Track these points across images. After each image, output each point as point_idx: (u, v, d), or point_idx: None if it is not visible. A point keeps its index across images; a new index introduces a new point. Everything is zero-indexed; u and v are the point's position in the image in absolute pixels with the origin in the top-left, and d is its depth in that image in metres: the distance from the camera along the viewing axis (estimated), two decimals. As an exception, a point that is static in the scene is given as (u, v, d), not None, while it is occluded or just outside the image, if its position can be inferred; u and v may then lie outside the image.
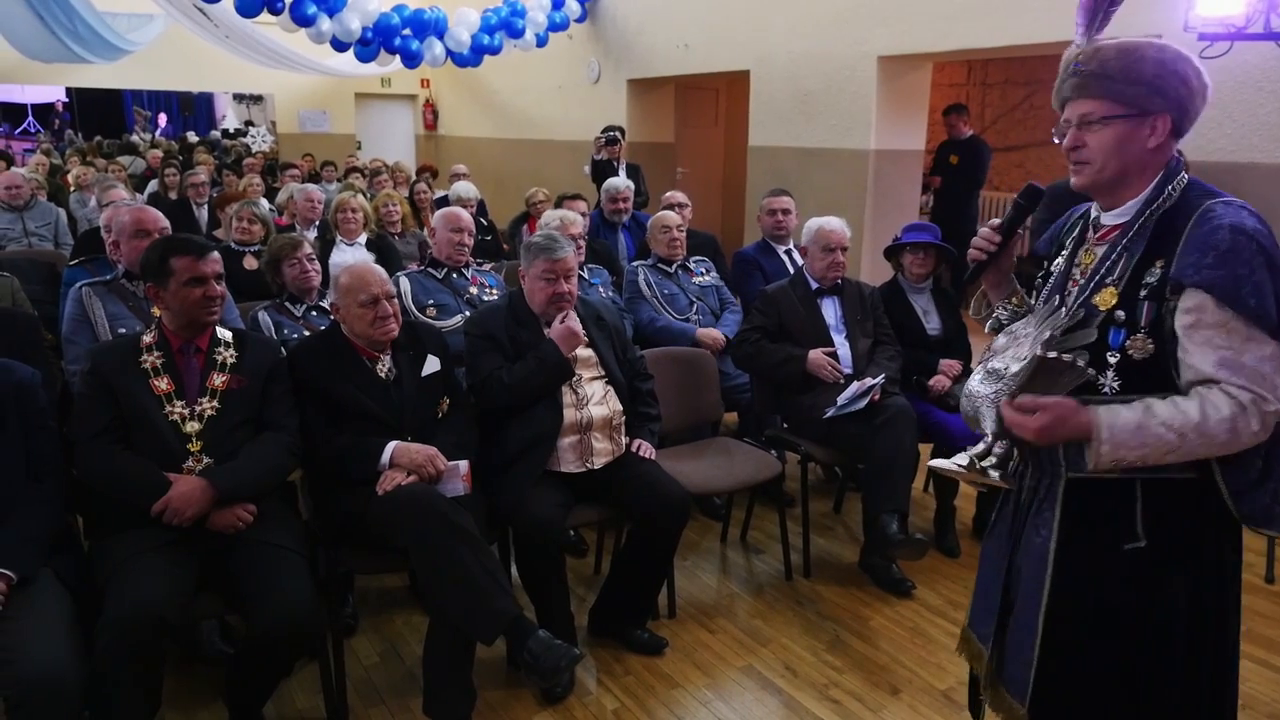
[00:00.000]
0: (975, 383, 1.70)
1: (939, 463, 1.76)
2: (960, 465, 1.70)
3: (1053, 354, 1.55)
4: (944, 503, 3.70)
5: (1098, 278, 1.61)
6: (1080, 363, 1.54)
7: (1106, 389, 1.57)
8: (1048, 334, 1.60)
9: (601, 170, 6.75)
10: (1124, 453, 1.48)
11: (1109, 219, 1.65)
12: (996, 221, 1.76)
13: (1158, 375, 1.54)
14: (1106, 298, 1.58)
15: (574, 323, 2.92)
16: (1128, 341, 1.55)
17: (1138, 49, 1.53)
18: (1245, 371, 1.44)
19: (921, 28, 6.08)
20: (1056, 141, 1.65)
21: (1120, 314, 1.56)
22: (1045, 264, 1.80)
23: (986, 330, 1.86)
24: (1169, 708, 1.63)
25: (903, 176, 6.81)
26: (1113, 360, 1.56)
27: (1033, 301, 1.80)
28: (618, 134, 6.94)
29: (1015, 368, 1.61)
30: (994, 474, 1.66)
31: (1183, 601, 1.59)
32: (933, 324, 3.80)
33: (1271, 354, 1.45)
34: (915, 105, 6.80)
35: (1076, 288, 1.66)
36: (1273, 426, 1.46)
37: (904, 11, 6.16)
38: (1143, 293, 1.55)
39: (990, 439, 1.67)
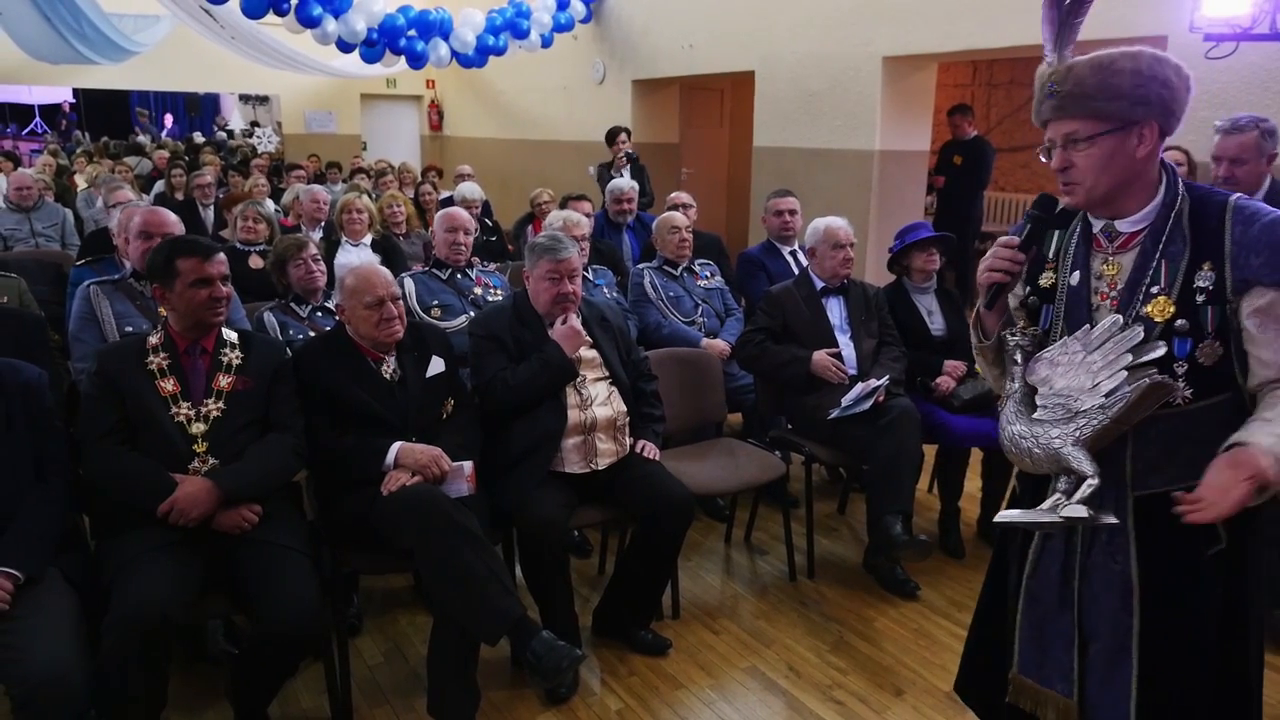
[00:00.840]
0: (1022, 424, 1.57)
1: (1023, 517, 1.60)
2: (1067, 516, 1.52)
3: (1159, 377, 1.49)
4: (948, 504, 3.69)
5: (1142, 289, 1.57)
6: (1168, 379, 1.50)
7: (1179, 399, 1.54)
8: (1129, 358, 1.51)
9: (605, 176, 6.77)
10: None
11: (1126, 226, 1.62)
12: (1014, 239, 1.65)
13: (1223, 378, 1.54)
14: (1162, 307, 1.54)
15: (576, 323, 2.92)
16: (1196, 350, 1.53)
17: (1111, 63, 1.51)
18: None
19: (926, 28, 6.08)
20: (1044, 160, 1.63)
21: (1182, 323, 1.53)
22: (1028, 282, 1.74)
23: (1017, 359, 1.66)
24: (1242, 702, 1.63)
25: (907, 177, 6.80)
26: (1180, 370, 1.54)
27: (1037, 324, 1.70)
28: (627, 137, 7.02)
29: (1096, 399, 1.51)
30: (1110, 516, 1.55)
31: (1253, 592, 1.60)
32: (937, 325, 3.79)
33: None
34: (920, 106, 6.80)
35: (1107, 300, 1.61)
36: None
37: (909, 12, 6.16)
38: (1200, 298, 1.52)
39: (1094, 477, 1.52)
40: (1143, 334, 1.53)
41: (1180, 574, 1.57)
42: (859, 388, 3.36)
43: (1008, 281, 1.66)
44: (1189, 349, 1.53)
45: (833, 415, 3.35)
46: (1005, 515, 1.63)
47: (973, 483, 3.72)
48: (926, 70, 6.70)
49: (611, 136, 7.29)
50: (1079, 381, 1.55)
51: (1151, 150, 1.55)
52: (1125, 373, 1.50)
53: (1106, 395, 1.51)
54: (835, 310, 3.68)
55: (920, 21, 6.10)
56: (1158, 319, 1.54)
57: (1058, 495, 1.55)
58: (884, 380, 3.35)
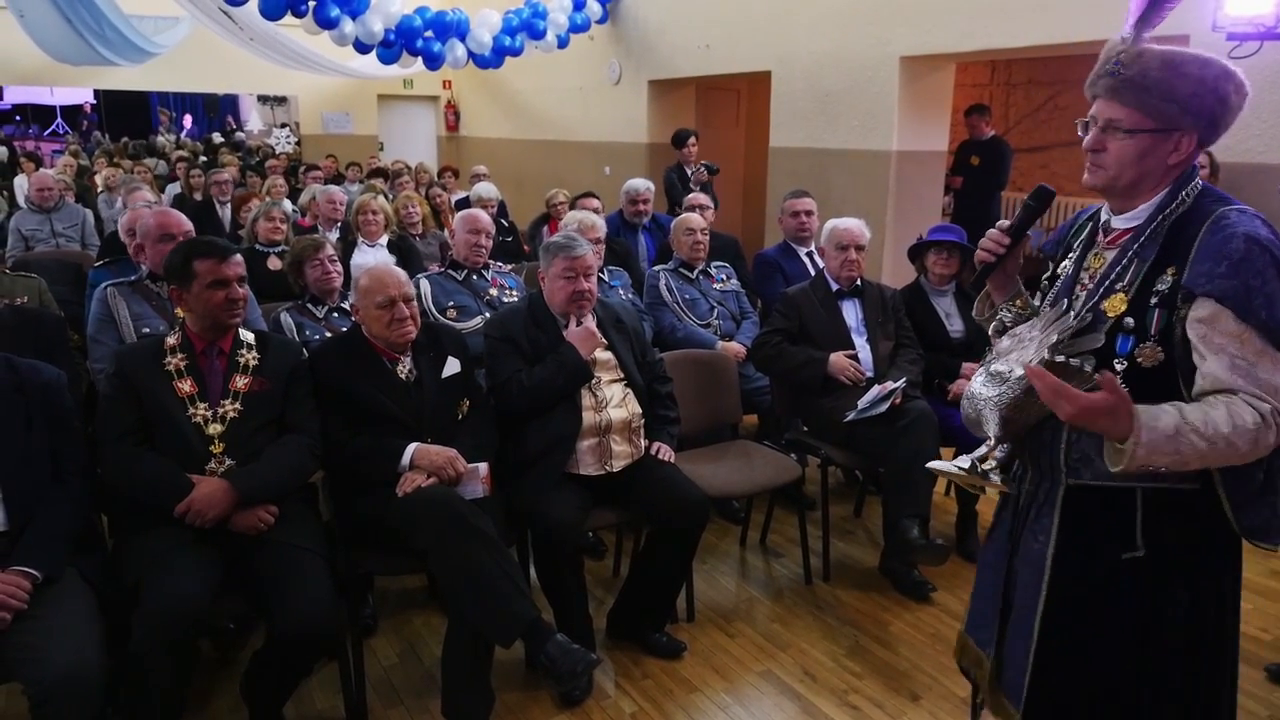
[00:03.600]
0: (978, 385, 1.68)
1: (939, 464, 1.75)
2: (961, 468, 1.69)
3: (1060, 358, 1.53)
4: (965, 507, 3.67)
5: (1107, 283, 1.59)
6: (1087, 368, 1.52)
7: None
8: (1054, 338, 1.57)
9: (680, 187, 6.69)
10: (1156, 457, 1.42)
11: (1120, 223, 1.63)
12: (1006, 223, 1.73)
13: (1164, 384, 1.52)
14: (1116, 304, 1.55)
15: (592, 324, 2.91)
16: (1136, 349, 1.53)
17: (1183, 63, 1.48)
18: (1261, 383, 1.42)
19: (944, 28, 6.04)
20: (1080, 134, 1.62)
21: (1129, 321, 1.54)
22: (1052, 266, 1.78)
23: (990, 332, 1.83)
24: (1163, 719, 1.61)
25: (924, 178, 6.76)
26: (1120, 368, 1.54)
27: (1038, 304, 1.77)
28: (696, 141, 6.97)
29: (1020, 371, 1.59)
30: (995, 478, 1.65)
31: (1182, 613, 1.58)
32: (955, 327, 3.77)
33: None
34: (938, 106, 6.75)
35: (1085, 291, 1.63)
36: None
37: (927, 11, 6.12)
38: (1153, 300, 1.52)
39: (992, 442, 1.65)
40: (1073, 320, 1.57)
41: (1091, 569, 1.61)
42: (876, 390, 3.33)
43: (993, 262, 1.73)
44: (1130, 347, 1.54)
45: (849, 417, 3.34)
46: (934, 464, 1.78)
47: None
48: (944, 70, 6.66)
49: (681, 140, 6.96)
50: (1020, 355, 1.62)
51: (1184, 159, 1.53)
52: (1047, 352, 1.56)
53: (1024, 368, 1.56)
54: (851, 312, 3.66)
55: (938, 21, 6.07)
56: (1109, 314, 1.56)
57: (977, 452, 1.67)
58: (901, 382, 3.33)
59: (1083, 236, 1.72)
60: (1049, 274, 1.78)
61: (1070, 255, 1.73)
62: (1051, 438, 1.64)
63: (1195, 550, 1.58)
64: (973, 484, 1.70)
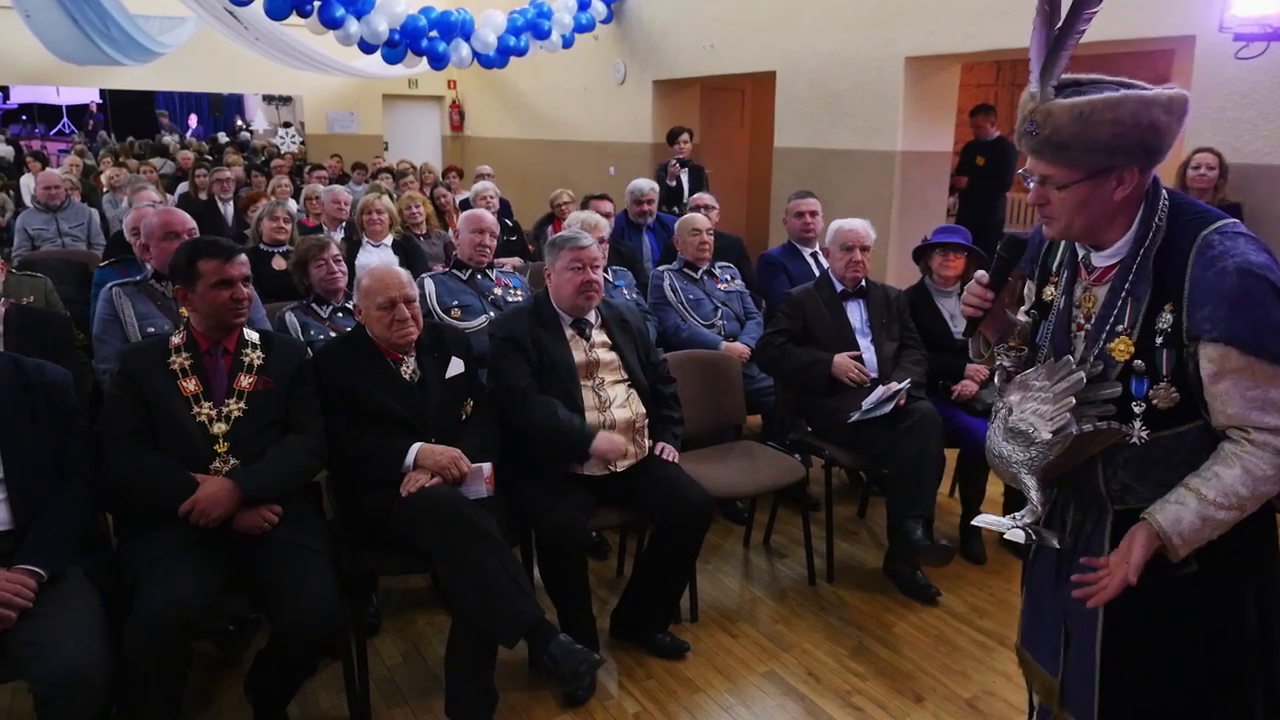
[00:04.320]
0: (1001, 443, 1.66)
1: (987, 522, 1.73)
2: (1015, 538, 1.67)
3: (1089, 426, 1.53)
4: (970, 508, 3.66)
5: (1107, 326, 1.57)
6: (1116, 424, 1.53)
7: (1135, 439, 1.54)
8: (1071, 400, 1.55)
9: (669, 191, 6.72)
10: (1197, 539, 1.48)
11: (1100, 260, 1.60)
12: (985, 276, 1.72)
13: (1185, 418, 1.52)
14: (1121, 347, 1.54)
15: (622, 444, 2.83)
16: (1151, 391, 1.52)
17: (1092, 113, 1.44)
18: (1272, 404, 1.42)
19: (949, 28, 6.03)
20: (1028, 188, 1.61)
21: (1139, 364, 1.53)
22: (1034, 288, 1.77)
23: (995, 380, 1.80)
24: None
25: (929, 178, 6.76)
26: (1138, 410, 1.54)
27: (1034, 339, 1.75)
28: (689, 138, 7.00)
29: (1046, 435, 1.56)
30: (1051, 540, 1.65)
31: (1252, 617, 1.57)
32: (960, 328, 3.76)
33: None
34: (943, 106, 6.75)
35: (1083, 333, 1.62)
36: None
37: (932, 12, 6.11)
38: (1158, 340, 1.51)
39: (1037, 507, 1.62)
40: (1084, 378, 1.56)
41: (1150, 590, 1.57)
42: (880, 391, 3.33)
43: (981, 316, 1.74)
44: (1145, 390, 1.53)
45: (853, 418, 3.33)
46: (978, 519, 1.77)
47: (995, 487, 3.68)
48: (949, 70, 6.65)
49: (672, 137, 7.10)
50: (1038, 411, 1.60)
51: (1131, 191, 1.51)
52: (1069, 414, 1.55)
53: (1053, 433, 1.56)
54: (856, 313, 3.66)
55: (943, 21, 6.06)
56: (1118, 358, 1.54)
57: (1025, 509, 1.66)
58: (905, 383, 3.33)
59: (1063, 264, 1.69)
60: (1032, 302, 1.77)
61: (1052, 283, 1.71)
62: (1088, 473, 1.62)
63: (1251, 555, 1.57)
64: (1030, 542, 1.70)
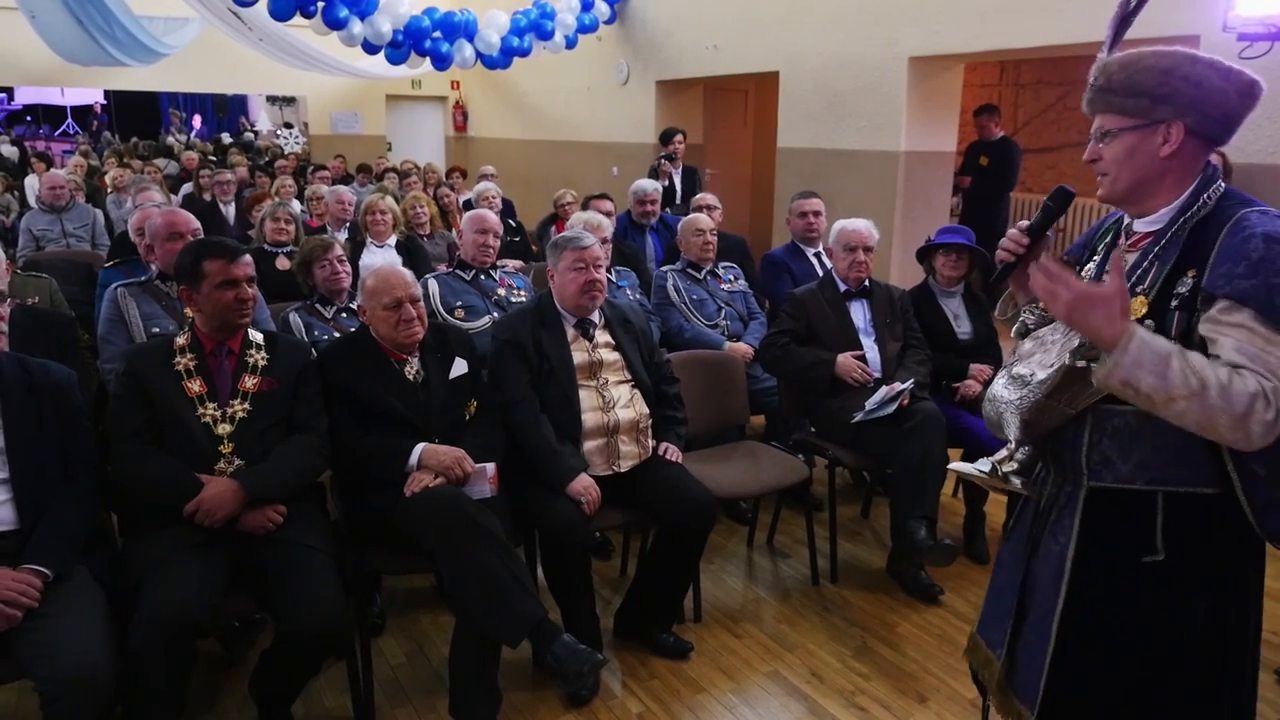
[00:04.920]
0: (999, 387, 1.68)
1: (960, 466, 1.78)
2: (982, 470, 1.70)
3: (1081, 362, 1.53)
4: (973, 508, 3.66)
5: (1129, 285, 1.58)
6: None
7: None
8: (1077, 341, 1.57)
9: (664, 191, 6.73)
10: (1140, 374, 1.39)
11: (1141, 226, 1.63)
12: (1025, 223, 1.74)
13: None
14: (1136, 306, 1.54)
15: (596, 495, 2.78)
16: None
17: (1139, 60, 1.52)
18: (1271, 365, 1.40)
19: (953, 28, 6.03)
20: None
21: (1149, 323, 1.52)
22: (1077, 269, 1.77)
23: (1012, 334, 1.83)
24: None
25: (933, 178, 6.75)
26: None
27: None
28: (683, 138, 7.00)
29: (1042, 375, 1.59)
30: (1016, 480, 1.67)
31: (1203, 618, 1.56)
32: (963, 328, 3.76)
33: None
34: (946, 106, 6.74)
35: None
36: None
37: (935, 12, 6.11)
38: (1174, 303, 1.52)
39: (1013, 445, 1.66)
40: None
41: (1111, 572, 1.60)
42: (883, 391, 3.33)
43: (1013, 261, 1.74)
44: None
45: (857, 418, 3.33)
46: (956, 465, 1.82)
47: (998, 487, 3.67)
48: (953, 70, 6.65)
49: (666, 138, 7.11)
50: (1042, 358, 1.63)
51: (1177, 151, 1.53)
52: (1068, 356, 1.56)
53: (1047, 374, 1.58)
54: (859, 313, 3.66)
55: (947, 21, 6.05)
56: (1133, 317, 1.53)
57: (998, 454, 1.70)
58: (909, 383, 3.33)
59: (1107, 240, 1.72)
60: None
61: (1094, 259, 1.73)
62: (1073, 439, 1.63)
63: (1216, 555, 1.56)
64: (994, 486, 1.71)
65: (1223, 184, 1.56)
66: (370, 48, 8.20)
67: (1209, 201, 1.54)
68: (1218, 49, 4.57)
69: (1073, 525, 1.65)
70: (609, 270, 4.14)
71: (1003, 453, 1.68)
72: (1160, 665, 1.59)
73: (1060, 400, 1.57)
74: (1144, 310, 1.54)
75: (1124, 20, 1.61)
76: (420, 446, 2.64)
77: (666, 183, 6.79)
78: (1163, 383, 1.39)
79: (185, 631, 2.16)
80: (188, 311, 2.61)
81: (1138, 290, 1.56)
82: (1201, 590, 1.56)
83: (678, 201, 6.73)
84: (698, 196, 5.33)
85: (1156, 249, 1.57)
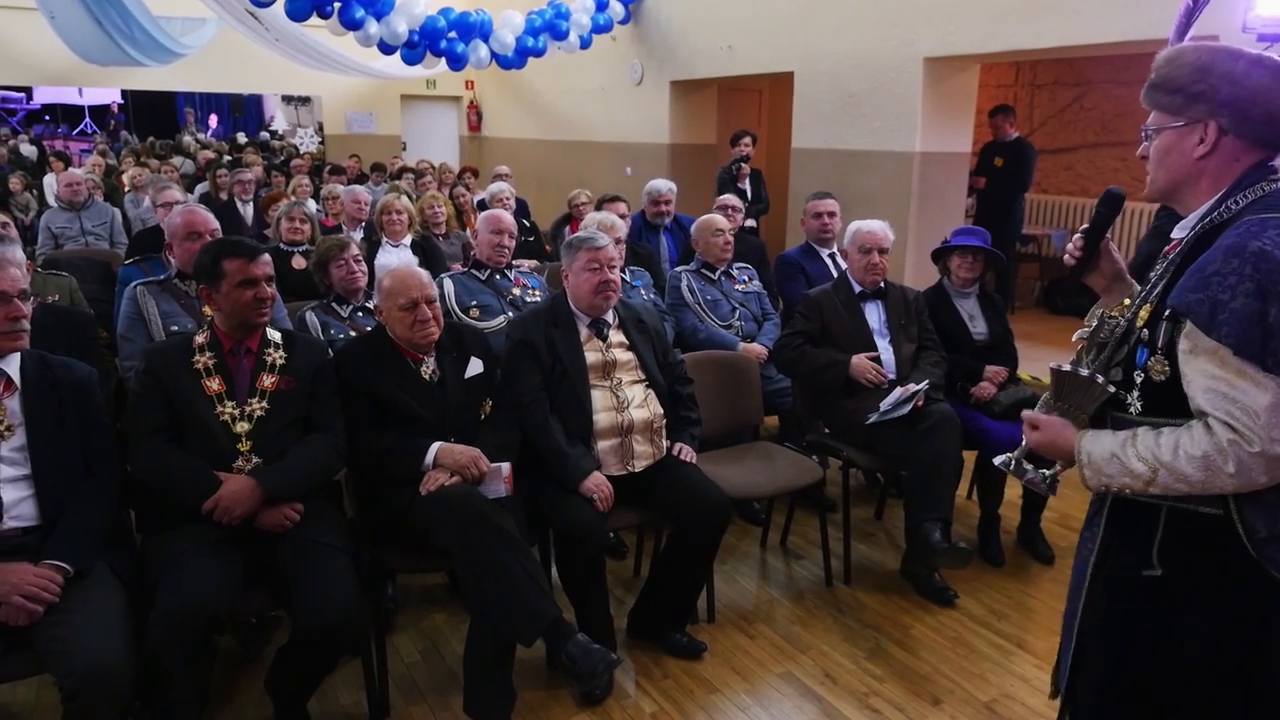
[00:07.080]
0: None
1: (1001, 459, 1.79)
2: (999, 462, 1.75)
3: (1066, 367, 1.57)
4: (988, 511, 3.64)
5: (1145, 292, 1.57)
6: (1099, 379, 1.53)
7: (1132, 408, 1.52)
8: (1094, 351, 1.59)
9: (723, 185, 6.72)
10: (1105, 479, 1.48)
11: (1176, 231, 1.59)
12: (1085, 228, 1.73)
13: (1179, 398, 1.45)
14: (1143, 315, 1.52)
15: (609, 493, 2.79)
16: (1150, 361, 1.49)
17: (1180, 55, 1.48)
18: (1233, 406, 1.34)
19: (968, 29, 6.00)
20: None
21: (1145, 333, 1.50)
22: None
23: (1073, 338, 1.78)
24: None
25: (948, 179, 6.73)
26: (1138, 379, 1.51)
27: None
28: (751, 142, 7.01)
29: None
30: (1030, 474, 1.70)
31: (1203, 640, 1.49)
32: (979, 329, 3.75)
33: (1271, 398, 1.32)
34: (962, 107, 6.72)
35: None
36: (1263, 471, 1.34)
37: (951, 12, 6.09)
38: (1167, 312, 1.46)
39: (1024, 444, 1.69)
40: (1111, 333, 1.60)
41: (1116, 582, 1.60)
42: (898, 392, 3.32)
43: (1076, 265, 1.75)
44: (1145, 359, 1.50)
45: (871, 420, 3.32)
46: (998, 460, 1.81)
47: (1013, 490, 3.66)
48: (969, 71, 6.62)
49: (734, 140, 7.07)
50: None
51: (1211, 152, 1.47)
52: (1068, 365, 1.61)
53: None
54: (874, 314, 3.65)
55: (962, 22, 6.03)
56: (1138, 324, 1.54)
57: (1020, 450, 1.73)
58: (923, 385, 3.32)
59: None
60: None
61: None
62: None
63: (1214, 578, 1.49)
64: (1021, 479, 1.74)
65: (1266, 188, 1.45)
66: (386, 48, 8.23)
67: (1232, 208, 1.46)
68: (1237, 50, 4.55)
69: (1097, 532, 1.64)
70: (623, 270, 4.15)
71: (1019, 450, 1.70)
72: (1160, 683, 1.55)
73: (1068, 404, 1.58)
74: (1146, 318, 1.51)
75: (1190, 14, 1.59)
76: (436, 445, 2.65)
77: (744, 185, 6.78)
78: (1125, 479, 1.46)
79: (204, 626, 2.18)
80: (207, 310, 2.63)
81: (1150, 297, 1.54)
82: (1199, 614, 1.49)
83: (749, 201, 6.66)
84: (721, 197, 5.33)
85: (1174, 255, 1.54)
